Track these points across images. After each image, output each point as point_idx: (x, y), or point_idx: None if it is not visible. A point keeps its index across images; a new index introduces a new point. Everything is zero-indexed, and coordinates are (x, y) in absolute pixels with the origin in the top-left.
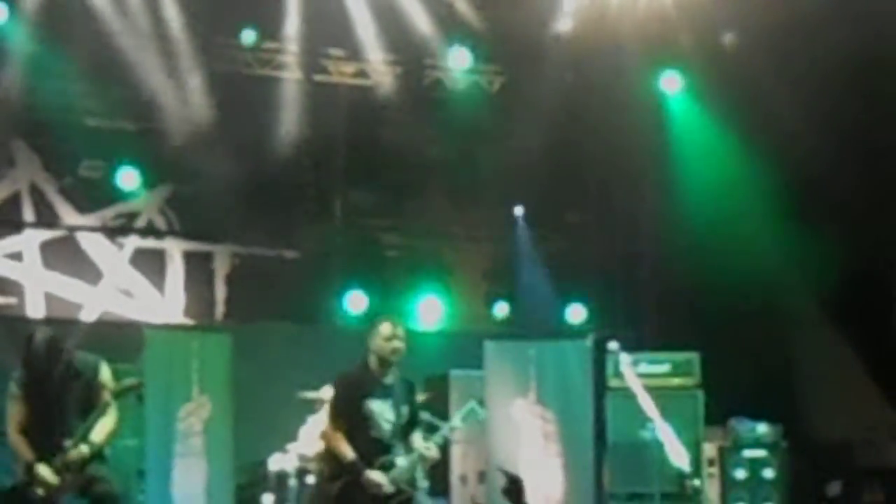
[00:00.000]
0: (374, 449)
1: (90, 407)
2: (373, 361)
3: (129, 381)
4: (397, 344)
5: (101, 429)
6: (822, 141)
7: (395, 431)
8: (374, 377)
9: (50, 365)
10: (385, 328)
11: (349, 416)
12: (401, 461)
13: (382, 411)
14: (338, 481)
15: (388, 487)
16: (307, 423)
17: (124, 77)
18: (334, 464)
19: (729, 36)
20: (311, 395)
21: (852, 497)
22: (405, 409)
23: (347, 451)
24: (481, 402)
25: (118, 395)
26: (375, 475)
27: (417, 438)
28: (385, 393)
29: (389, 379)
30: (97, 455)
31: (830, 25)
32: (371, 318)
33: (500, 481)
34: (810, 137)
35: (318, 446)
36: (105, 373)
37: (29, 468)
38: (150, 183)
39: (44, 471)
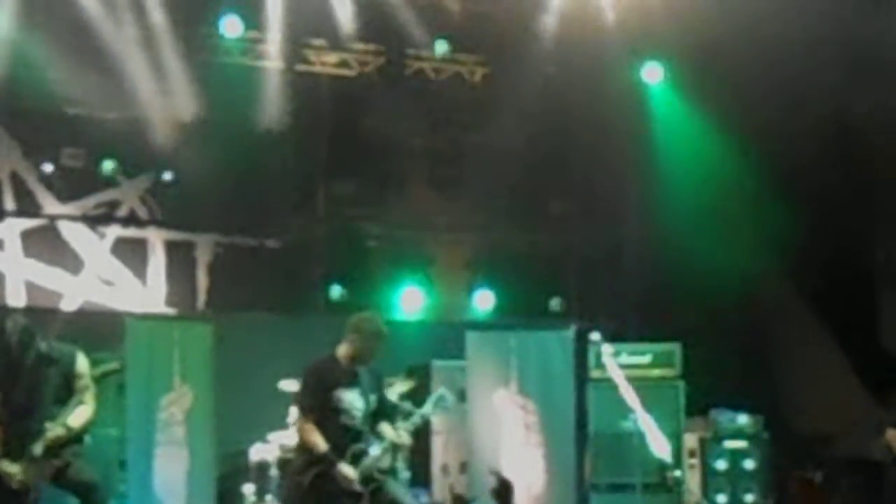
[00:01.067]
0: (346, 437)
1: (67, 395)
2: (346, 352)
3: (109, 366)
4: (376, 344)
5: (79, 415)
6: (802, 131)
7: (364, 419)
8: (343, 367)
9: (23, 353)
10: (379, 327)
11: (319, 406)
12: (373, 450)
13: (352, 400)
14: (309, 472)
15: (358, 485)
16: (290, 416)
17: (105, 66)
18: (306, 454)
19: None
20: (290, 386)
21: (831, 486)
22: (373, 398)
23: (320, 443)
24: (462, 393)
25: (99, 378)
26: (347, 469)
27: (386, 427)
28: (353, 382)
29: (358, 368)
30: (74, 440)
31: (811, 15)
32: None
33: (490, 482)
34: (791, 127)
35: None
36: (81, 362)
37: None
38: (131, 172)
39: (8, 466)
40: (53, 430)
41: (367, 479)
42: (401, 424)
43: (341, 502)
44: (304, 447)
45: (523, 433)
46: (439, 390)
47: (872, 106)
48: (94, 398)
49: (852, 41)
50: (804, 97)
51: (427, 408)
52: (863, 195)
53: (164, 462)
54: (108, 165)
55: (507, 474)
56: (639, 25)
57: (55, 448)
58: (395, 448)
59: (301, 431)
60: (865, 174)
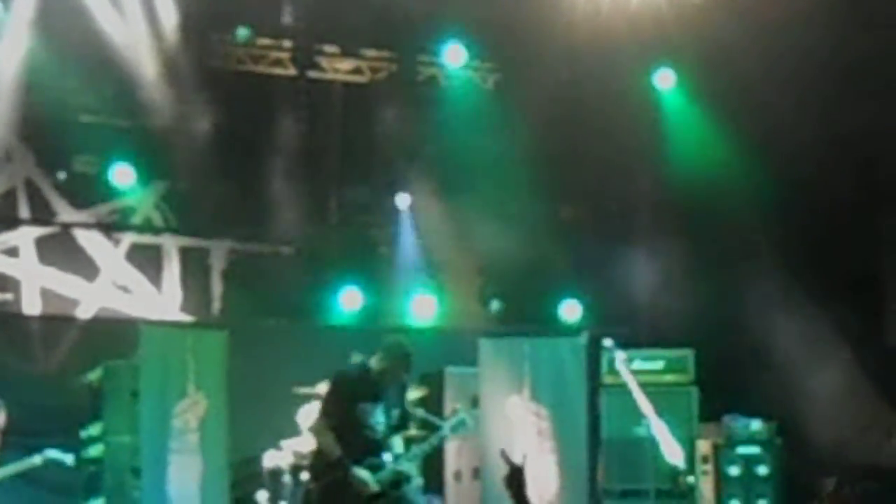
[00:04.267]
0: (365, 449)
1: None
2: (377, 371)
3: None
4: (408, 369)
5: None
6: (814, 137)
7: (385, 433)
8: (372, 381)
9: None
10: (407, 352)
11: (341, 416)
12: (390, 464)
13: (374, 414)
14: (322, 479)
15: (374, 486)
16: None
17: (119, 73)
18: (320, 460)
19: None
20: (306, 390)
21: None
22: (395, 413)
23: (334, 448)
24: (475, 399)
25: None
26: (362, 473)
27: (398, 444)
28: (378, 396)
29: (384, 384)
30: None
31: (823, 22)
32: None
33: (501, 470)
34: (802, 134)
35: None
36: None
37: None
38: (145, 179)
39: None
40: None
41: (378, 495)
42: (419, 440)
43: None
44: (317, 451)
45: (536, 440)
46: (459, 414)
47: (883, 113)
48: None
49: (864, 49)
50: (816, 104)
51: (445, 430)
52: (874, 202)
53: (178, 469)
54: (121, 173)
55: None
56: (651, 31)
57: None
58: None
59: (317, 432)
60: (876, 181)
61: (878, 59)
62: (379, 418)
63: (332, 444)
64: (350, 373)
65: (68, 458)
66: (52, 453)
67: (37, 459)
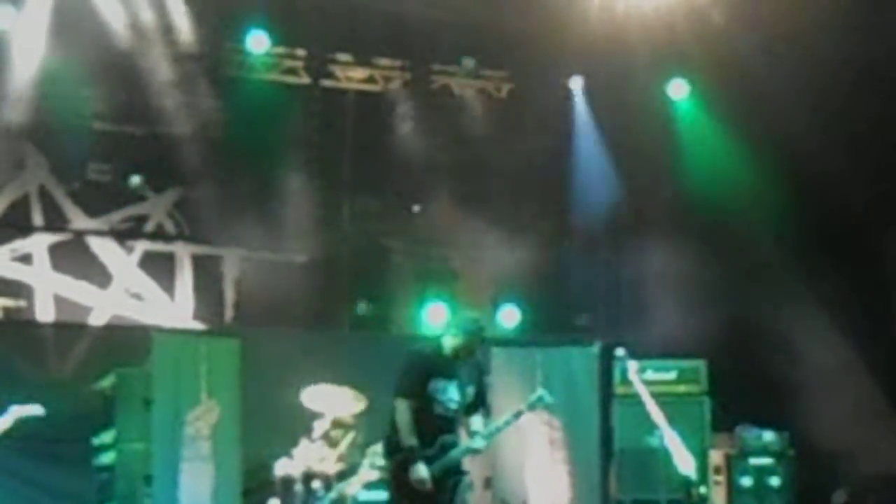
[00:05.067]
0: (439, 426)
1: None
2: (449, 347)
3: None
4: (480, 346)
5: None
6: (827, 146)
7: (459, 410)
8: (444, 358)
9: None
10: (480, 328)
11: (416, 393)
12: (463, 443)
13: (449, 391)
14: (398, 455)
15: (429, 485)
16: (313, 431)
17: (132, 81)
18: (396, 438)
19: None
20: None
21: None
22: (471, 390)
23: (408, 435)
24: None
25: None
26: (423, 470)
27: (476, 422)
28: (451, 373)
29: (457, 361)
30: None
31: (836, 31)
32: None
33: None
34: (815, 143)
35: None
36: None
37: None
38: (158, 187)
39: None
40: None
41: (449, 471)
42: (490, 420)
43: (408, 496)
44: (395, 428)
45: (548, 449)
46: (538, 390)
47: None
48: None
49: (878, 58)
50: (830, 113)
51: (524, 405)
52: (889, 211)
53: (190, 477)
54: (135, 180)
55: (533, 492)
56: (665, 42)
57: None
58: (471, 452)
59: (396, 412)
60: (891, 189)
61: (892, 69)
62: (453, 395)
63: (408, 430)
64: (423, 350)
65: (37, 409)
66: (19, 410)
67: (7, 423)
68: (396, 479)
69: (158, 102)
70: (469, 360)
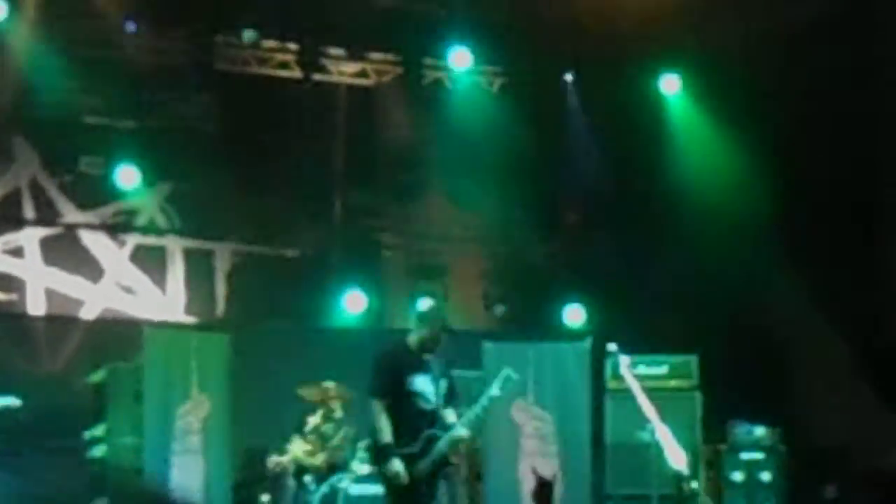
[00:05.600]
0: (422, 422)
1: None
2: (415, 341)
3: None
4: (437, 331)
5: None
6: (820, 142)
7: (438, 404)
8: (414, 353)
9: None
10: (443, 316)
11: (394, 390)
12: (443, 435)
13: (424, 385)
14: (378, 457)
15: (404, 479)
16: (306, 425)
17: (124, 74)
18: (372, 438)
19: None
20: (307, 392)
21: (848, 501)
22: (444, 384)
23: (385, 431)
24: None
25: None
26: (398, 465)
27: (450, 415)
28: (424, 368)
29: (426, 356)
30: None
31: (829, 27)
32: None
33: (529, 483)
34: (808, 138)
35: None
36: None
37: None
38: (150, 180)
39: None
40: None
41: (437, 464)
42: (466, 409)
43: (393, 490)
44: (372, 429)
45: (539, 444)
46: (504, 370)
47: (890, 117)
48: None
49: (870, 52)
50: (822, 109)
51: (494, 389)
52: (880, 206)
53: (181, 471)
54: (126, 174)
55: (524, 486)
56: (657, 36)
57: None
58: (456, 442)
59: (371, 414)
60: (882, 184)
61: (884, 65)
62: (429, 389)
63: (383, 426)
64: (392, 348)
65: (12, 401)
66: None
67: None
68: (383, 478)
69: (150, 96)
70: (437, 353)
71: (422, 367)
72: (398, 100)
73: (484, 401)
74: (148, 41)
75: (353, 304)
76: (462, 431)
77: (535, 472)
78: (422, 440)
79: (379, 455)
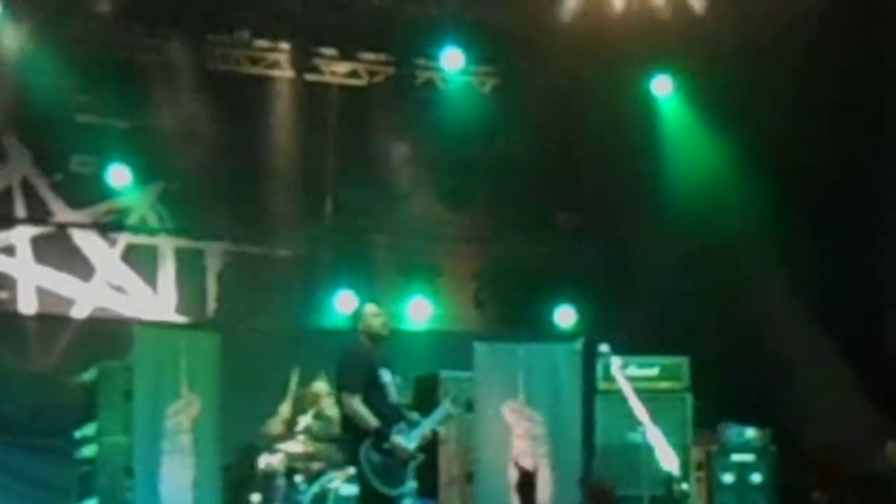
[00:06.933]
0: (394, 414)
1: None
2: (364, 340)
3: None
4: (383, 318)
5: None
6: (812, 144)
7: (399, 398)
8: (371, 348)
9: None
10: (370, 308)
11: (365, 385)
12: (421, 420)
13: (389, 377)
14: (365, 443)
15: (412, 448)
16: (297, 425)
17: (116, 74)
18: (353, 431)
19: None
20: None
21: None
22: (398, 378)
23: (370, 418)
24: (469, 403)
25: None
26: (401, 439)
27: (412, 413)
28: (384, 361)
29: (381, 351)
30: None
31: (822, 29)
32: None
33: (513, 476)
34: (800, 140)
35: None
36: None
37: None
38: (141, 179)
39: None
40: None
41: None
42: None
43: (396, 474)
44: (351, 424)
45: (530, 445)
46: (444, 403)
47: (883, 121)
48: None
49: (863, 54)
50: (817, 110)
51: (441, 411)
52: (871, 208)
53: (171, 470)
54: (117, 173)
55: (528, 466)
56: (649, 38)
57: None
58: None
59: (348, 407)
60: (874, 187)
61: (879, 65)
62: (392, 380)
63: (366, 414)
64: (353, 346)
65: None
66: None
67: None
68: (367, 464)
69: (142, 95)
70: (384, 348)
71: (385, 362)
72: (390, 100)
73: (437, 416)
74: (140, 40)
75: (344, 304)
76: (427, 431)
77: (517, 464)
78: (395, 431)
79: (367, 442)
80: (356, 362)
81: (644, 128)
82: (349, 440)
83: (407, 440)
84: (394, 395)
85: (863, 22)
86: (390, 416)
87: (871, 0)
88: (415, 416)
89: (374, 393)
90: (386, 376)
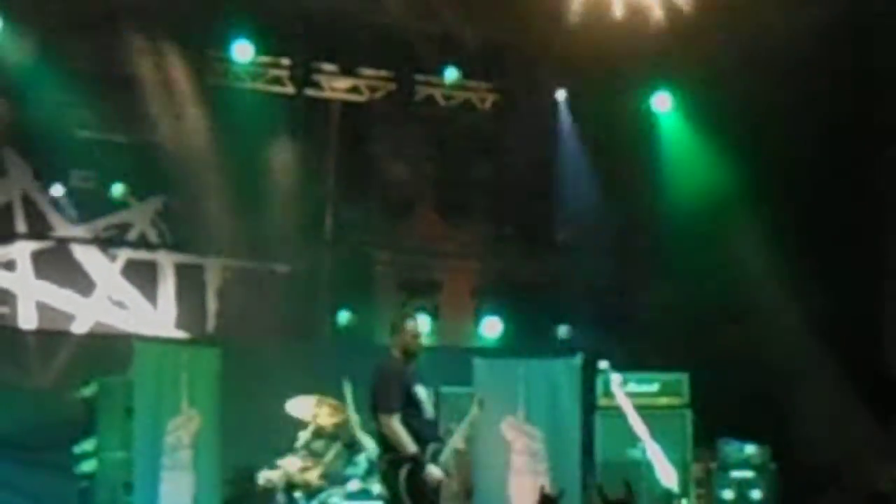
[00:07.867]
0: (429, 431)
1: None
2: (397, 355)
3: None
4: (421, 340)
5: None
6: (811, 160)
7: (434, 413)
8: (408, 366)
9: None
10: (411, 326)
11: (403, 405)
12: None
13: (424, 394)
14: (403, 468)
15: (446, 480)
16: (297, 440)
17: (116, 89)
18: (392, 453)
19: None
20: (295, 409)
21: None
22: (430, 392)
23: (409, 444)
24: (481, 403)
25: None
26: (436, 470)
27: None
28: (419, 379)
29: (414, 367)
30: None
31: (821, 44)
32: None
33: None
34: (799, 157)
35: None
36: None
37: None
38: (141, 195)
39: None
40: None
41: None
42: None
43: (428, 499)
44: (390, 446)
45: (530, 460)
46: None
47: (883, 136)
48: None
49: (864, 71)
50: (817, 125)
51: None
52: (875, 227)
53: (171, 486)
54: (118, 189)
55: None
56: (649, 55)
57: None
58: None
59: (386, 427)
60: (875, 204)
61: (876, 77)
62: (426, 397)
63: (406, 440)
64: (389, 363)
65: None
66: None
67: None
68: (413, 482)
69: (142, 110)
70: (415, 363)
71: (418, 379)
72: (390, 116)
73: (466, 423)
74: (140, 56)
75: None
76: (460, 444)
77: (542, 489)
78: (429, 454)
79: (405, 469)
80: (392, 382)
81: (644, 144)
82: (387, 460)
83: (439, 466)
84: (430, 411)
85: (861, 38)
86: (429, 433)
87: (870, 16)
88: (450, 426)
89: (410, 411)
90: (421, 393)
